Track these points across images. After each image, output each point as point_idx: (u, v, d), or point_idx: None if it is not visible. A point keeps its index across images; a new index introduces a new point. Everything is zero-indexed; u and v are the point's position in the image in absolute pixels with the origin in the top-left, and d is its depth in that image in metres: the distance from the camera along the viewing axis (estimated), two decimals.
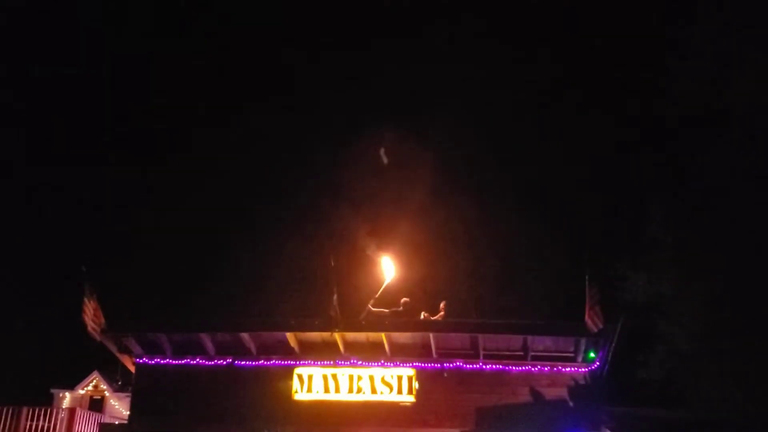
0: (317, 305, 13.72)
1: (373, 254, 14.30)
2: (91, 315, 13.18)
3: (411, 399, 12.68)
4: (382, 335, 12.90)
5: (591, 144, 26.77)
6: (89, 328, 13.18)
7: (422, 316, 13.69)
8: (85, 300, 13.12)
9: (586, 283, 12.28)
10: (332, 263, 13.19)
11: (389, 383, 12.78)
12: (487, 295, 22.45)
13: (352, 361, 13.05)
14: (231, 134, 35.20)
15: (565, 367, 12.79)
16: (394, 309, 13.59)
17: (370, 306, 13.27)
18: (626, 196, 22.59)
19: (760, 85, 15.27)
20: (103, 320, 13.40)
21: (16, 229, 32.93)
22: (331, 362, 13.05)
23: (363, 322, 13.08)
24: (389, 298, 13.96)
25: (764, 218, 15.25)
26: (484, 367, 12.92)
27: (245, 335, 13.20)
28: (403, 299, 13.82)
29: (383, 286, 13.80)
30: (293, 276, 25.20)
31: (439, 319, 13.61)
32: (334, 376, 12.89)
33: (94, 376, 25.52)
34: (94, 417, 19.63)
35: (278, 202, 33.14)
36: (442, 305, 13.93)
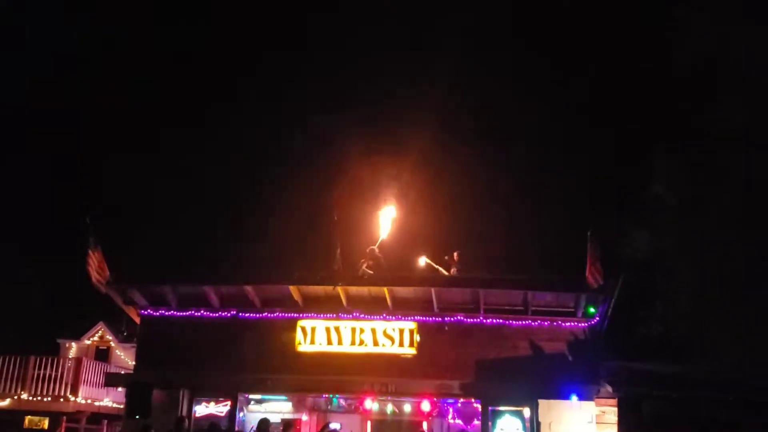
0: (321, 259, 13.79)
1: (373, 206, 14.22)
2: (95, 267, 13.24)
3: (412, 351, 12.85)
4: (384, 289, 13.02)
5: (595, 101, 26.55)
6: (94, 280, 13.25)
7: (423, 263, 13.80)
8: (90, 252, 13.17)
9: (588, 239, 12.33)
10: (335, 217, 13.23)
11: (391, 336, 12.94)
12: (490, 251, 22.53)
13: (354, 314, 13.20)
14: (237, 93, 35.02)
15: (564, 321, 12.92)
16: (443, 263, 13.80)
17: (364, 268, 13.29)
18: (629, 153, 22.52)
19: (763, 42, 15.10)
20: (107, 272, 13.47)
21: (20, 179, 32.95)
22: (334, 315, 13.20)
23: (366, 276, 13.17)
24: (391, 251, 14.02)
25: (764, 177, 15.24)
26: (484, 321, 13.06)
27: (249, 288, 13.31)
28: (456, 252, 13.97)
29: (380, 239, 13.79)
30: (297, 230, 25.30)
31: (454, 267, 13.74)
32: (337, 329, 13.05)
33: (100, 326, 25.81)
34: (100, 366, 20.00)
35: (283, 155, 33.12)
36: (455, 255, 14.02)
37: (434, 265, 14.08)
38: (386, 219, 13.90)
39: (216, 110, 34.52)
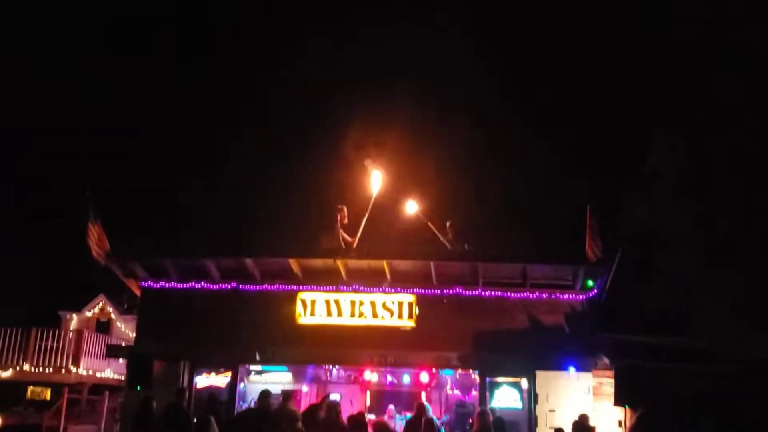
0: (321, 233, 13.78)
1: (369, 167, 14.20)
2: (95, 240, 13.27)
3: (411, 324, 12.92)
4: (384, 263, 13.07)
5: (594, 74, 26.41)
6: (94, 253, 13.28)
7: (414, 211, 13.98)
8: (90, 225, 13.19)
9: (587, 212, 12.36)
10: (333, 191, 13.25)
11: (390, 308, 13.02)
12: (488, 224, 22.58)
13: (354, 287, 13.27)
14: (238, 62, 34.72)
15: (563, 294, 12.99)
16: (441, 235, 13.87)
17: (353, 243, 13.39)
18: (629, 126, 22.47)
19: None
20: (107, 245, 13.52)
21: (19, 150, 32.84)
22: (334, 288, 13.27)
23: (365, 250, 13.24)
24: (388, 221, 14.07)
25: (763, 150, 15.22)
26: (483, 293, 13.13)
27: (249, 261, 13.36)
28: (448, 222, 14.01)
29: (371, 202, 13.82)
30: (297, 203, 25.31)
31: (448, 238, 13.79)
32: (337, 302, 13.12)
33: (100, 299, 25.95)
34: (101, 338, 20.16)
35: (283, 129, 33.01)
36: (447, 225, 14.06)
37: (424, 217, 14.04)
38: (375, 182, 13.94)
39: (216, 81, 34.30)
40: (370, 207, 13.90)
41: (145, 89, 36.15)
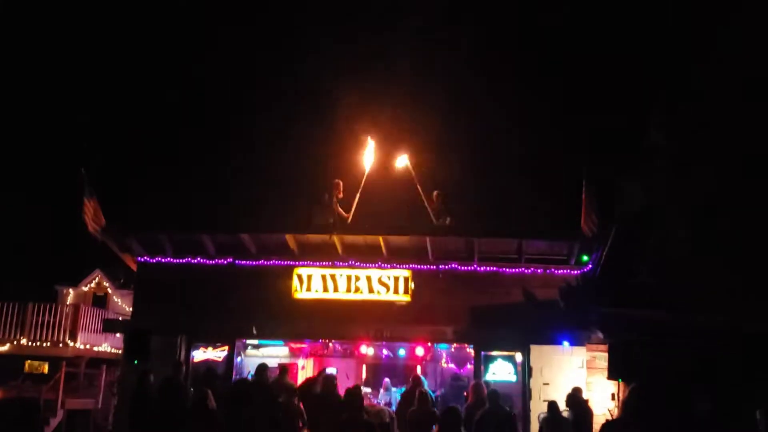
0: (315, 208, 13.76)
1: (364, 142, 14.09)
2: (91, 215, 13.25)
3: (407, 298, 12.99)
4: (380, 238, 13.10)
5: (592, 50, 26.22)
6: (90, 228, 13.28)
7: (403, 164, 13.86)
8: (85, 200, 13.17)
9: (583, 188, 12.37)
10: (331, 165, 13.21)
11: (386, 283, 13.07)
12: (484, 200, 22.60)
13: (350, 263, 13.31)
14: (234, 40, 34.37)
15: (558, 269, 13.06)
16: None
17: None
18: (626, 104, 22.40)
19: None
20: (103, 220, 13.51)
21: (16, 125, 32.58)
22: (330, 263, 13.30)
23: (363, 226, 13.25)
24: (383, 196, 14.00)
25: (761, 129, 15.21)
26: (478, 269, 13.19)
27: (245, 236, 13.37)
28: (435, 192, 13.92)
29: (364, 176, 13.77)
30: (294, 179, 25.25)
31: (434, 207, 13.69)
32: (333, 277, 13.15)
33: (97, 273, 25.98)
34: (98, 313, 20.22)
35: (280, 103, 32.83)
36: (434, 195, 13.93)
37: (412, 170, 13.95)
38: (368, 155, 13.89)
39: (211, 53, 33.97)
40: (363, 179, 13.82)
41: (144, 63, 35.90)
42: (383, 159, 14.29)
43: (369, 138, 14.03)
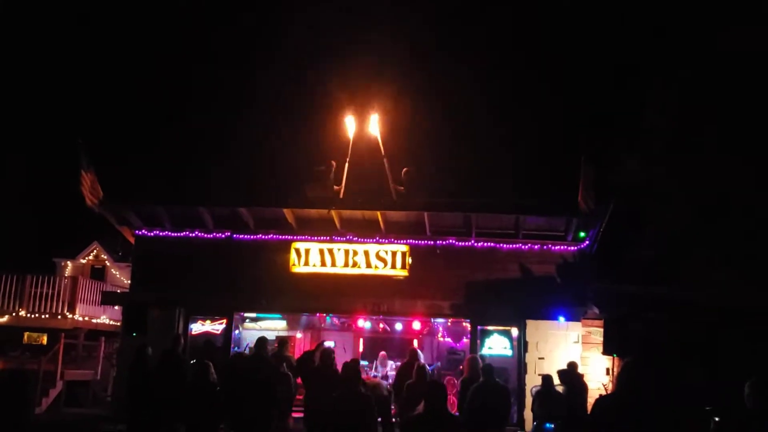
0: (309, 184, 13.62)
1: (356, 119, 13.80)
2: (88, 188, 13.21)
3: (404, 273, 13.04)
4: (378, 213, 13.10)
5: (592, 24, 26.03)
6: (87, 201, 13.25)
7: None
8: (83, 173, 13.11)
9: (581, 164, 12.35)
10: (327, 140, 13.12)
11: (383, 258, 13.11)
12: (482, 175, 22.58)
13: (348, 237, 13.32)
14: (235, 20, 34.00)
15: (555, 245, 13.11)
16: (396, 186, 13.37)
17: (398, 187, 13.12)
18: (624, 79, 22.29)
19: None
20: (101, 193, 13.48)
21: (14, 99, 32.35)
22: (328, 238, 13.32)
23: (359, 200, 13.20)
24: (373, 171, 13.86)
25: (759, 105, 15.16)
26: (475, 244, 13.24)
27: (243, 210, 13.37)
28: (405, 169, 13.63)
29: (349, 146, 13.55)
30: (292, 152, 25.18)
31: (400, 189, 13.30)
32: (331, 251, 13.19)
33: (95, 246, 25.95)
34: (96, 285, 20.23)
35: (278, 79, 32.62)
36: (403, 172, 13.51)
37: (381, 144, 13.46)
38: (350, 127, 13.57)
39: (208, 29, 33.71)
40: (349, 153, 13.53)
41: (141, 37, 35.58)
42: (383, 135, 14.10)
43: (354, 114, 13.64)
